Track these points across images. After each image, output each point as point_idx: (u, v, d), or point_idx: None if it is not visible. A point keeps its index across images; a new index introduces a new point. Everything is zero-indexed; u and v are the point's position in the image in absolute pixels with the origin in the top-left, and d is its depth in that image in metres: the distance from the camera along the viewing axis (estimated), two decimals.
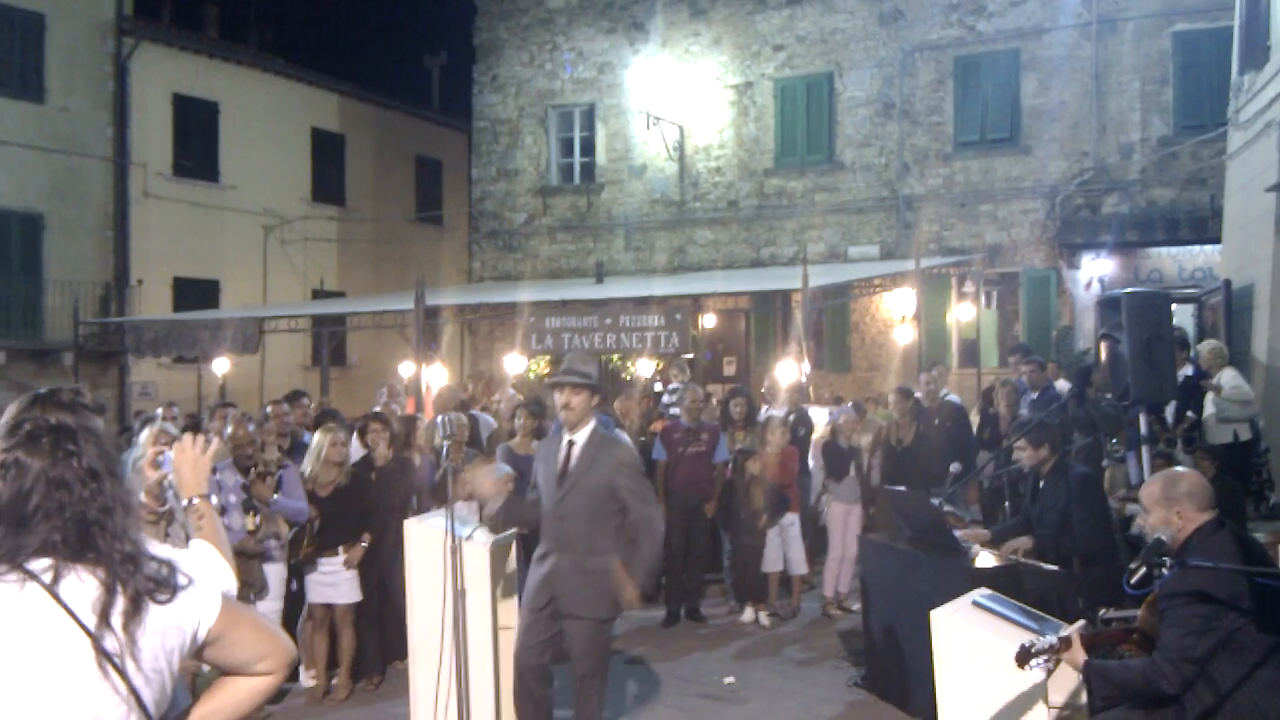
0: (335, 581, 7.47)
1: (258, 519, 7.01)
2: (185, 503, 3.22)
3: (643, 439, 10.44)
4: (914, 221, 18.74)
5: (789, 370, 12.54)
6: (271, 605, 7.15)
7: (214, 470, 5.70)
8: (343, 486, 7.60)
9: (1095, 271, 17.45)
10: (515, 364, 17.20)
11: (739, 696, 7.44)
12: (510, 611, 6.18)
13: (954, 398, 11.22)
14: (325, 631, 7.59)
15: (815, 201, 19.60)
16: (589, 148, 21.66)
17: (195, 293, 21.63)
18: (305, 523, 7.35)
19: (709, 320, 18.95)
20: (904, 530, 7.23)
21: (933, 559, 6.59)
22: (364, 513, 7.60)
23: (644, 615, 9.46)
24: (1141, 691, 3.98)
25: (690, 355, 15.70)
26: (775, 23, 19.87)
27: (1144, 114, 17.32)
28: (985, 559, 6.38)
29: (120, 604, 2.05)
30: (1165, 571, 4.22)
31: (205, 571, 2.38)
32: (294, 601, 7.65)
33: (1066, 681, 4.59)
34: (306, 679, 7.65)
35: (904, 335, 16.31)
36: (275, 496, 7.16)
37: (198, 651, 2.22)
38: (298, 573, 7.57)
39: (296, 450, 8.60)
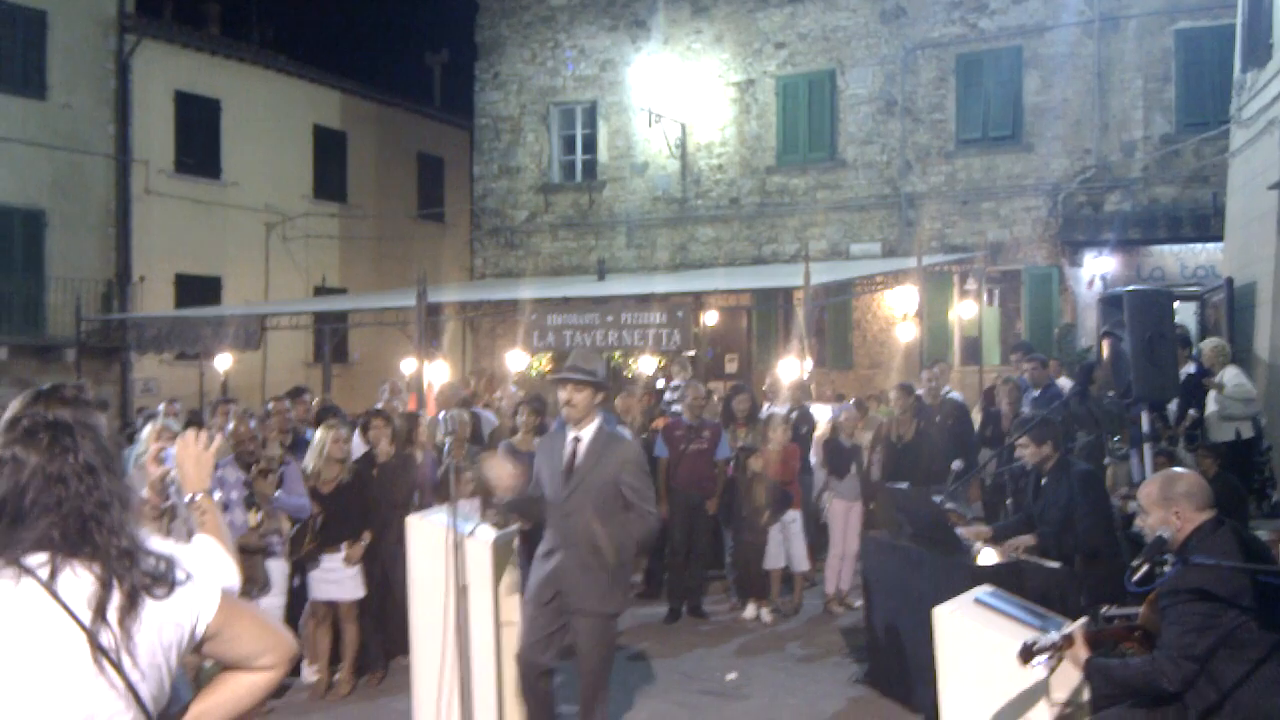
0: (339, 578, 7.47)
1: (260, 515, 7.02)
2: (188, 499, 3.22)
3: (644, 436, 10.45)
4: (916, 219, 18.73)
5: (791, 367, 12.54)
6: (274, 601, 7.16)
7: (216, 467, 5.71)
8: (345, 483, 7.60)
9: (1097, 269, 17.45)
10: (517, 361, 17.21)
11: (741, 693, 7.44)
12: (512, 608, 6.18)
13: (956, 395, 11.22)
14: (328, 627, 7.59)
15: (817, 199, 19.60)
16: (591, 145, 21.66)
17: (197, 289, 21.63)
18: (307, 519, 7.36)
19: (711, 318, 18.95)
20: (906, 527, 7.23)
21: (935, 556, 6.59)
22: (366, 509, 7.60)
23: (646, 612, 9.48)
24: (1142, 690, 3.99)
25: (692, 353, 15.70)
26: (777, 20, 19.86)
27: (1146, 111, 17.31)
28: (987, 556, 6.38)
29: (116, 599, 2.05)
30: (1167, 569, 4.22)
31: (205, 567, 2.38)
32: (297, 597, 7.66)
33: (1069, 679, 4.60)
34: (309, 674, 7.66)
35: (906, 333, 16.31)
36: (277, 493, 7.17)
37: (197, 647, 2.21)
38: (300, 569, 7.58)
39: (298, 447, 8.61)
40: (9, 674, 1.99)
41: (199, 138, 22.26)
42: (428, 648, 5.90)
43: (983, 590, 5.11)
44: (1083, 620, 4.47)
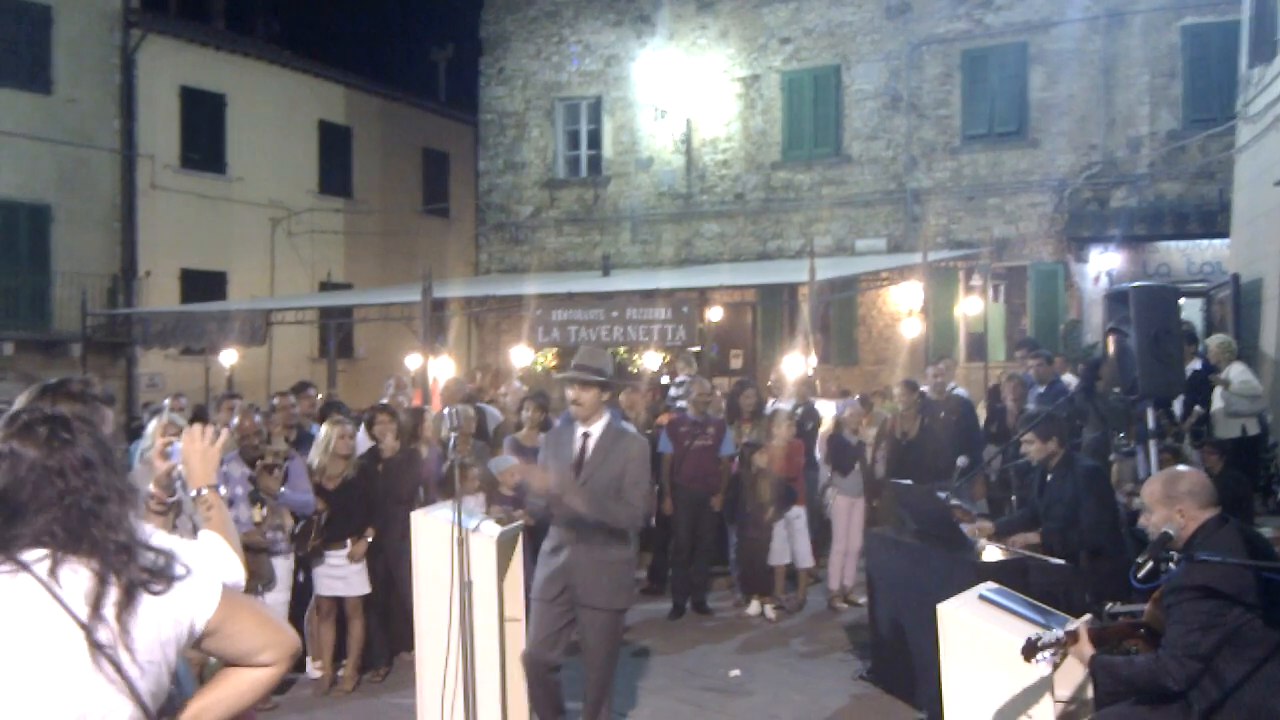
0: (344, 574, 7.48)
1: (264, 511, 7.03)
2: (194, 494, 3.23)
3: (649, 432, 10.45)
4: (921, 215, 18.72)
5: (796, 363, 12.54)
6: (279, 597, 7.17)
7: (221, 462, 5.72)
8: (350, 479, 7.61)
9: (1103, 265, 17.42)
10: (522, 356, 17.21)
11: (745, 689, 7.45)
12: (517, 603, 6.18)
13: (961, 391, 11.22)
14: (332, 623, 7.60)
15: (822, 195, 19.58)
16: (596, 140, 21.65)
17: (203, 284, 21.67)
18: (312, 515, 7.36)
19: (715, 313, 18.95)
20: (910, 524, 7.23)
21: (939, 552, 6.59)
22: (371, 505, 7.61)
23: (651, 608, 9.48)
24: (1147, 688, 3.99)
25: (697, 348, 15.70)
26: (782, 15, 19.83)
27: (1152, 108, 17.27)
28: (991, 553, 6.38)
29: (113, 595, 2.04)
30: (1172, 566, 4.22)
31: (205, 562, 2.37)
32: (301, 593, 7.67)
33: (1073, 675, 4.60)
34: (313, 670, 7.67)
35: (911, 329, 16.30)
36: (282, 489, 7.18)
37: (197, 642, 2.20)
38: (305, 565, 7.59)
39: (302, 442, 8.61)
40: (5, 670, 1.98)
41: (204, 133, 22.29)
42: (432, 643, 5.90)
43: (987, 587, 5.10)
44: (1087, 617, 4.46)
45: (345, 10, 42.42)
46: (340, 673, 7.62)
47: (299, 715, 7.11)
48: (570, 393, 5.61)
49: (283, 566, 7.21)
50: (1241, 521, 4.51)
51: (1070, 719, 4.66)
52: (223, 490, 3.31)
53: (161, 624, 2.10)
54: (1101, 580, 6.05)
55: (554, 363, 18.33)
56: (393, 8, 42.37)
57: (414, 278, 17.18)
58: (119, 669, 2.02)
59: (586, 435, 5.63)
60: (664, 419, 10.62)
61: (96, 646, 2.00)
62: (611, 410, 6.05)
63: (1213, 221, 16.05)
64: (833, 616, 9.41)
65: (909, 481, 7.88)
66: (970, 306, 17.60)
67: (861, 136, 19.31)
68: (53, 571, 2.03)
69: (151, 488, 3.63)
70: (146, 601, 2.08)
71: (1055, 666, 4.19)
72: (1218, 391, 9.97)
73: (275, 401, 9.50)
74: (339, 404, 11.02)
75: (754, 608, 9.44)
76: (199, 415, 11.62)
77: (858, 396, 11.82)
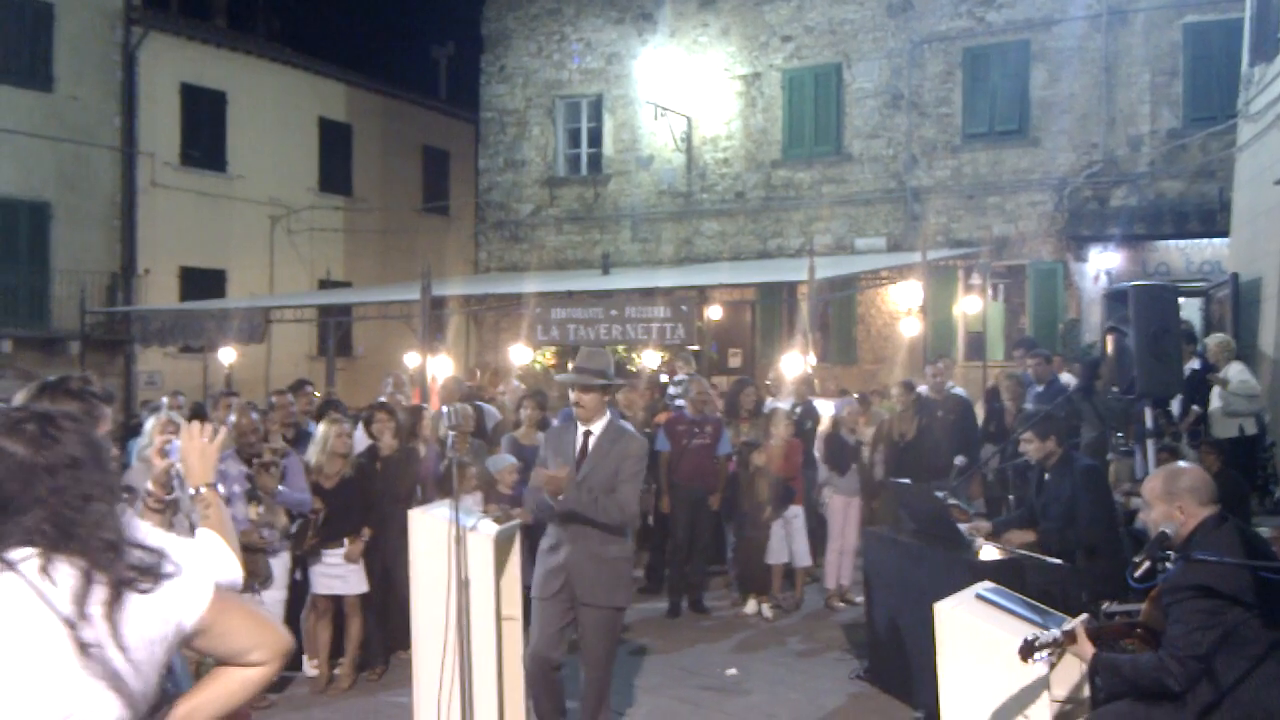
0: (341, 573, 7.48)
1: (261, 509, 7.03)
2: (192, 492, 3.22)
3: (647, 430, 10.45)
4: (921, 213, 18.71)
5: (795, 362, 12.54)
6: (276, 595, 7.17)
7: (219, 460, 5.71)
8: (348, 478, 7.61)
9: (1103, 264, 17.42)
10: (521, 355, 17.21)
11: (742, 688, 7.45)
12: (514, 602, 6.19)
13: (959, 390, 11.22)
14: (328, 621, 7.60)
15: (822, 193, 19.57)
16: (596, 138, 21.64)
17: (202, 282, 21.68)
18: (310, 514, 7.36)
19: (715, 312, 18.95)
20: (908, 523, 7.23)
21: (936, 552, 6.59)
22: (369, 504, 7.61)
23: (648, 607, 9.48)
24: (1150, 687, 3.98)
25: (696, 347, 15.70)
26: (784, 13, 19.82)
27: (1153, 106, 17.26)
28: (989, 552, 6.38)
29: (100, 593, 2.02)
30: (1169, 566, 4.22)
31: (197, 561, 2.37)
32: (298, 591, 7.67)
33: (1069, 674, 4.60)
34: (310, 668, 7.67)
35: (910, 328, 16.30)
36: (279, 487, 7.18)
37: (187, 641, 2.18)
38: (301, 563, 7.59)
39: (300, 440, 8.62)
40: None
41: (204, 130, 22.30)
42: (429, 642, 5.90)
43: (984, 586, 5.10)
44: (1083, 617, 4.46)
45: (346, 8, 42.41)
46: (337, 671, 7.63)
47: (296, 713, 7.12)
48: (573, 394, 5.64)
49: (280, 565, 7.21)
50: (1239, 521, 4.52)
51: (1067, 718, 4.67)
52: (220, 488, 3.30)
53: (150, 622, 2.09)
54: (1098, 579, 6.05)
55: (553, 361, 18.33)
56: (393, 5, 42.41)
57: (413, 276, 17.17)
58: (106, 668, 2.01)
59: (588, 434, 5.66)
60: (662, 417, 10.62)
61: (83, 645, 1.99)
62: (611, 409, 6.06)
63: (1213, 220, 16.04)
64: (830, 616, 9.41)
65: (907, 481, 7.88)
66: (969, 305, 17.60)
67: (862, 135, 19.30)
68: (39, 570, 2.01)
69: (150, 485, 3.64)
70: (134, 600, 2.06)
71: (1052, 666, 4.20)
72: (1216, 391, 9.97)
73: (273, 400, 9.50)
74: (337, 402, 11.02)
75: (751, 607, 9.44)
76: (197, 413, 11.63)
77: (856, 396, 11.82)
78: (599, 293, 15.79)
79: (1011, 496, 9.01)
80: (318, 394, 11.76)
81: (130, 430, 12.07)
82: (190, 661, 3.60)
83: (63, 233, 19.95)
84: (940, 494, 7.27)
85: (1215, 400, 9.96)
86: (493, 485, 8.27)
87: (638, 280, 17.18)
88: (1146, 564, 4.15)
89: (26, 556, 2.03)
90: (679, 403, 11.16)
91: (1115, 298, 7.39)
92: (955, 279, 18.08)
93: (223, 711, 2.29)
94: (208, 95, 22.34)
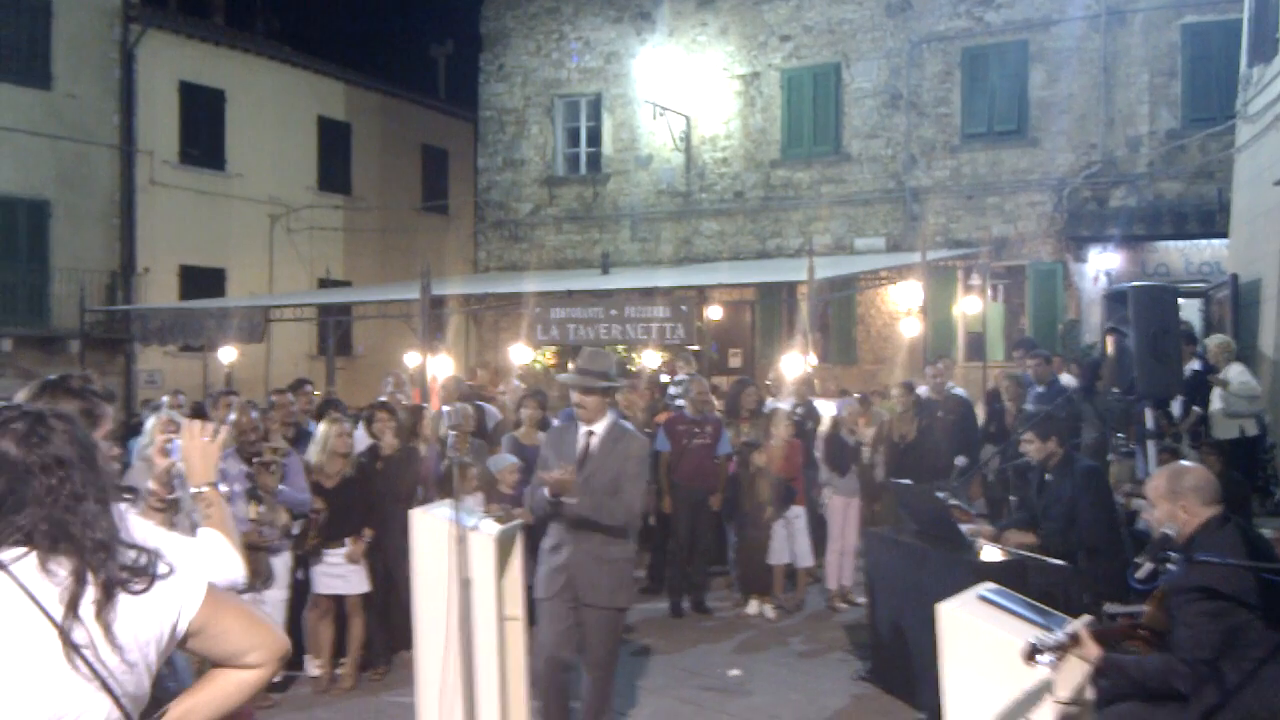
0: (343, 572, 7.48)
1: (261, 508, 7.02)
2: (194, 491, 3.22)
3: (647, 430, 10.45)
4: (920, 214, 18.71)
5: (795, 362, 12.53)
6: (277, 595, 7.16)
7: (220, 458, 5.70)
8: (349, 477, 7.60)
9: (1102, 265, 17.42)
10: (521, 354, 17.20)
11: (744, 689, 7.45)
12: (516, 602, 6.18)
13: (959, 391, 11.22)
14: (330, 621, 7.60)
15: (821, 193, 19.57)
16: (595, 138, 21.62)
17: (201, 281, 21.67)
18: (311, 513, 7.36)
19: (714, 312, 18.94)
20: (909, 523, 7.23)
21: (938, 552, 6.59)
22: (371, 504, 7.60)
23: (650, 607, 9.48)
24: (1158, 689, 3.98)
25: (696, 347, 15.69)
26: (782, 13, 19.82)
27: (1152, 107, 17.26)
28: (991, 553, 6.38)
29: (91, 594, 2.01)
30: (1170, 567, 4.21)
31: (191, 561, 2.35)
32: (300, 591, 7.66)
33: (1073, 676, 4.59)
34: (312, 668, 7.67)
35: (910, 328, 16.30)
36: (280, 486, 7.17)
37: (181, 642, 2.17)
38: (303, 562, 7.58)
39: (300, 439, 8.61)
40: None
41: (203, 129, 22.28)
42: (431, 642, 5.89)
43: (986, 587, 5.10)
44: (1088, 619, 4.46)
45: (344, 6, 42.40)
46: (339, 670, 7.62)
47: (298, 713, 7.11)
48: (575, 395, 5.64)
49: (281, 564, 7.20)
50: (1242, 522, 4.51)
51: None
52: (223, 488, 3.29)
53: (142, 623, 2.08)
54: (1100, 580, 6.05)
55: (553, 361, 18.31)
56: (392, 4, 42.38)
57: (413, 275, 17.17)
58: (95, 668, 1.99)
59: (591, 434, 5.66)
60: (661, 417, 10.61)
61: (73, 646, 1.98)
62: (612, 410, 6.06)
63: (1212, 221, 16.05)
64: (832, 616, 9.41)
65: (909, 482, 7.88)
66: (969, 306, 17.60)
67: (861, 135, 19.30)
68: (29, 570, 2.01)
69: (151, 485, 3.63)
70: (126, 600, 2.05)
71: (1055, 669, 4.19)
72: (1216, 392, 9.97)
73: (273, 399, 9.49)
74: (336, 402, 11.01)
75: (753, 607, 9.43)
76: (198, 412, 11.61)
77: (857, 396, 11.82)
78: (599, 292, 15.78)
79: (1013, 497, 9.00)
80: (317, 393, 11.74)
81: (131, 429, 12.05)
82: (194, 661, 3.59)
83: (62, 231, 19.93)
84: (941, 495, 7.28)
85: (1216, 401, 9.96)
86: (494, 485, 8.27)
87: (637, 280, 17.17)
88: (1149, 566, 4.15)
89: (17, 557, 2.02)
90: (679, 403, 11.15)
91: (1115, 298, 7.39)
92: (955, 279, 18.08)
93: (219, 713, 2.27)
94: (206, 93, 22.32)
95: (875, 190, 19.17)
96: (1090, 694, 4.59)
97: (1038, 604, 4.91)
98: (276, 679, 7.05)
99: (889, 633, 7.17)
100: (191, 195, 21.81)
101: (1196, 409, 9.98)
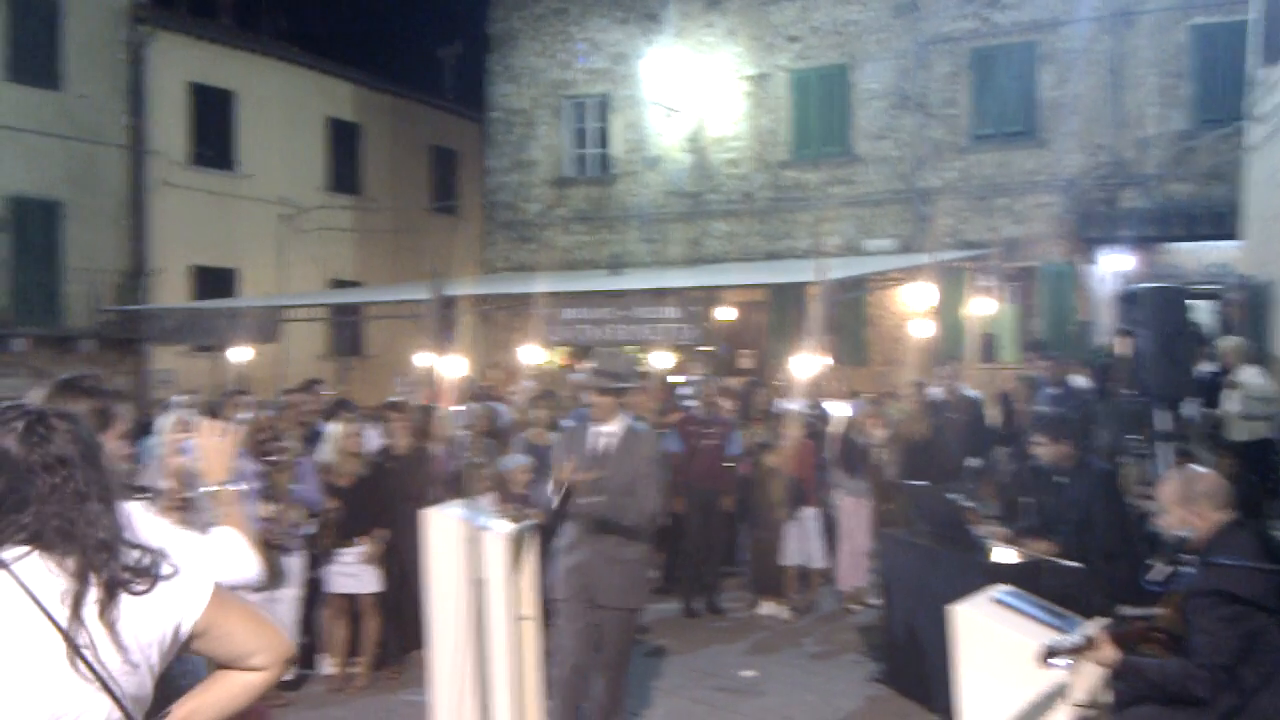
0: (356, 571, 7.50)
1: (275, 508, 7.04)
2: (210, 490, 3.23)
3: (659, 431, 10.44)
4: (930, 215, 18.67)
5: (805, 364, 12.52)
6: (291, 594, 7.18)
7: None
8: (363, 477, 7.62)
9: (1113, 266, 17.36)
10: (533, 355, 17.19)
11: (758, 689, 7.45)
12: (529, 602, 6.18)
13: (971, 391, 11.20)
14: (344, 620, 7.61)
15: (831, 194, 19.53)
16: (604, 139, 21.62)
17: (213, 281, 21.69)
18: (324, 513, 7.37)
19: (725, 313, 18.91)
20: (923, 525, 7.22)
21: (952, 554, 6.58)
22: (384, 504, 7.61)
23: (663, 608, 9.48)
24: (1176, 693, 3.96)
25: (709, 348, 15.68)
26: (789, 14, 19.79)
27: (1162, 108, 17.21)
28: (1004, 554, 6.36)
29: (93, 593, 2.01)
30: (1187, 570, 4.20)
31: (198, 561, 2.35)
32: (313, 590, 7.68)
33: (1088, 679, 4.58)
34: (326, 667, 7.68)
35: (920, 329, 16.26)
36: (293, 486, 7.19)
37: (185, 644, 2.16)
38: (316, 561, 7.60)
39: (311, 439, 8.62)
40: None
41: (214, 129, 22.29)
42: (444, 641, 5.91)
43: (1001, 589, 5.10)
44: (1104, 621, 4.45)
45: (353, 7, 42.44)
46: (353, 669, 7.63)
47: (312, 711, 7.13)
48: (590, 395, 5.68)
49: (295, 563, 7.22)
50: (1256, 525, 4.50)
51: None
52: (238, 487, 3.30)
53: (145, 624, 2.07)
54: (1116, 583, 6.03)
55: (566, 362, 18.31)
56: (399, 5, 42.40)
57: (423, 275, 17.16)
58: (96, 669, 1.99)
59: (606, 436, 5.67)
60: (673, 418, 10.61)
61: (73, 646, 1.97)
62: (625, 411, 6.07)
63: (1223, 223, 15.97)
64: (845, 617, 9.41)
65: (922, 483, 7.87)
66: (980, 307, 17.55)
67: (869, 136, 19.27)
68: (31, 569, 2.00)
69: (166, 484, 3.64)
70: (128, 601, 2.05)
71: (1071, 671, 4.18)
72: (1231, 394, 9.94)
73: (286, 399, 9.51)
74: (346, 402, 11.02)
75: (766, 608, 9.43)
76: (211, 412, 11.62)
77: (867, 397, 11.80)
78: (609, 293, 15.78)
79: (1025, 500, 8.98)
80: (327, 393, 11.75)
81: (142, 428, 12.07)
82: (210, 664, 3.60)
83: (74, 231, 19.96)
84: (954, 496, 7.27)
85: (1231, 404, 9.92)
86: (506, 485, 8.27)
87: (647, 281, 17.15)
88: (1164, 568, 4.14)
89: (19, 556, 2.01)
90: (689, 403, 11.16)
91: (1127, 300, 7.39)
92: (965, 281, 18.03)
93: (223, 715, 2.26)
94: (216, 94, 22.33)
95: (884, 191, 19.13)
96: (1106, 697, 4.59)
97: (1052, 606, 4.91)
98: (290, 677, 7.08)
99: (903, 634, 7.17)
100: (202, 196, 21.82)
101: (1211, 411, 9.94)
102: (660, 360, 16.38)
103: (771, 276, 17.68)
